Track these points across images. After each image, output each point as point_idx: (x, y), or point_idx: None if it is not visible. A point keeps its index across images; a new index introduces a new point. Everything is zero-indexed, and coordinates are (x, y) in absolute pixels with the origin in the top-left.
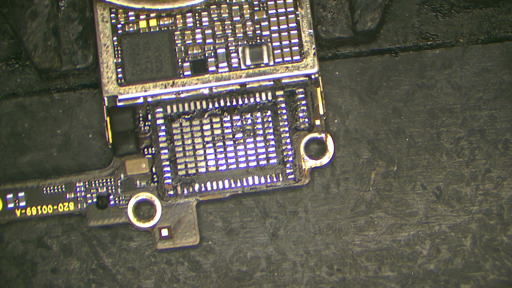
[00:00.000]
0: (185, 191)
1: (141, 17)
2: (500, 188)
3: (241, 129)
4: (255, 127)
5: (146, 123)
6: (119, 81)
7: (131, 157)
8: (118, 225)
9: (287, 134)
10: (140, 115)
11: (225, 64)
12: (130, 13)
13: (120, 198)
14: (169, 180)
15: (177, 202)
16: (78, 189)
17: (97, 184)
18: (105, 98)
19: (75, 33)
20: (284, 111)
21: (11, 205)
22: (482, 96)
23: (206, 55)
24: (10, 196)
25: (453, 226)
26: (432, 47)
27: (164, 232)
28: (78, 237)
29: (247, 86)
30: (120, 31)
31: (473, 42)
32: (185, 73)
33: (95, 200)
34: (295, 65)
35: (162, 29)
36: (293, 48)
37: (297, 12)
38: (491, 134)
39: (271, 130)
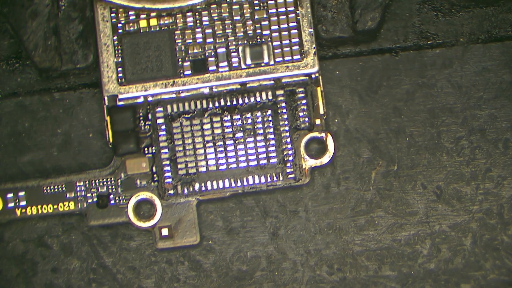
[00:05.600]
0: (186, 191)
1: (142, 16)
2: (500, 188)
3: (241, 129)
4: (255, 127)
5: (147, 123)
6: (119, 80)
7: (132, 157)
8: (118, 224)
9: (287, 134)
10: (141, 114)
11: (225, 63)
12: (130, 13)
13: (121, 197)
14: (170, 180)
15: (178, 201)
16: (78, 189)
17: (97, 184)
18: (106, 98)
19: (75, 32)
20: (284, 110)
21: (11, 205)
22: (483, 95)
23: (207, 54)
24: (10, 195)
25: (454, 226)
26: (432, 46)
27: (165, 232)
28: (79, 237)
29: (248, 85)
30: (120, 31)
31: (473, 42)
32: (186, 73)
33: (95, 199)
34: (296, 65)
35: (163, 28)
36: (293, 48)
37: (297, 12)
38: (492, 134)
39: (271, 130)
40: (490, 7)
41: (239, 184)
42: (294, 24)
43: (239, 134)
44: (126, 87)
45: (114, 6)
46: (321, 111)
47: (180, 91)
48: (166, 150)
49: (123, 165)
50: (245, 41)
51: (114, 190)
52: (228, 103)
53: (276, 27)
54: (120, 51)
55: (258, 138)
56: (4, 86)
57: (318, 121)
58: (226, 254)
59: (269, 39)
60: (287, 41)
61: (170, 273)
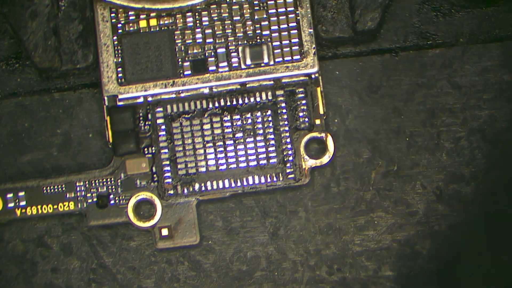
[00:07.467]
0: (185, 191)
1: (141, 16)
2: None
3: (241, 129)
4: (255, 127)
5: (146, 123)
6: (119, 80)
7: (131, 157)
8: (118, 224)
9: (287, 134)
10: (140, 114)
11: (225, 63)
12: (130, 13)
13: (120, 197)
14: (169, 180)
15: (177, 201)
16: (78, 189)
17: (97, 184)
18: (105, 98)
19: (75, 32)
20: (284, 110)
21: (11, 205)
22: (482, 95)
23: (206, 54)
24: (10, 195)
25: (453, 226)
26: (432, 46)
27: (164, 232)
28: (78, 237)
29: (247, 85)
30: (120, 31)
31: (473, 42)
32: (185, 73)
33: (95, 199)
34: (295, 65)
35: (162, 28)
36: (293, 48)
37: (297, 12)
38: (491, 134)
39: (271, 130)
40: (490, 7)
41: (239, 184)
42: (294, 24)
43: (239, 134)
44: (126, 87)
45: (114, 6)
46: (321, 111)
47: (180, 91)
48: (166, 150)
49: (123, 165)
50: (245, 41)
51: (114, 190)
52: (228, 103)
53: (276, 27)
54: (120, 51)
55: (258, 138)
56: (4, 86)
57: (318, 121)
58: (226, 254)
59: (269, 39)
60: (287, 41)
61: (170, 273)
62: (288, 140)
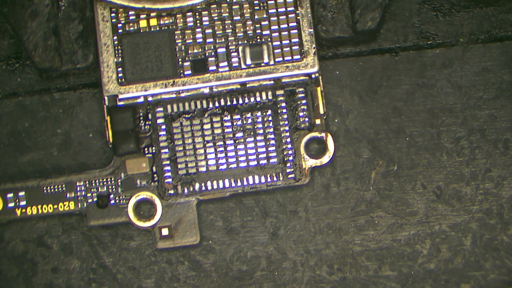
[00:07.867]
0: (186, 190)
1: (142, 16)
2: (500, 188)
3: (241, 129)
4: (255, 127)
5: (147, 123)
6: (119, 80)
7: (132, 157)
8: (118, 224)
9: (288, 134)
10: (141, 114)
11: (225, 63)
12: (130, 13)
13: (121, 197)
14: (170, 180)
15: (178, 201)
16: (78, 189)
17: (97, 184)
18: (106, 98)
19: (75, 32)
20: (284, 110)
21: (11, 205)
22: (482, 95)
23: (207, 54)
24: (10, 195)
25: (453, 226)
26: (432, 46)
27: (165, 232)
28: (79, 237)
29: (248, 85)
30: (120, 31)
31: (473, 42)
32: (186, 73)
33: (95, 199)
34: (295, 65)
35: (163, 28)
36: (293, 48)
37: (297, 12)
38: (491, 134)
39: (271, 130)
40: (490, 7)
41: (239, 184)
42: (294, 24)
43: (239, 134)
44: (126, 87)
45: (114, 6)
46: (321, 111)
47: (180, 91)
48: (166, 150)
49: (123, 165)
50: (245, 41)
51: (114, 190)
52: (228, 103)
53: (276, 27)
54: (120, 51)
55: (258, 138)
56: (4, 86)
57: (318, 121)
58: (226, 254)
59: (269, 39)
60: (287, 41)
61: (170, 273)
62: (288, 140)
